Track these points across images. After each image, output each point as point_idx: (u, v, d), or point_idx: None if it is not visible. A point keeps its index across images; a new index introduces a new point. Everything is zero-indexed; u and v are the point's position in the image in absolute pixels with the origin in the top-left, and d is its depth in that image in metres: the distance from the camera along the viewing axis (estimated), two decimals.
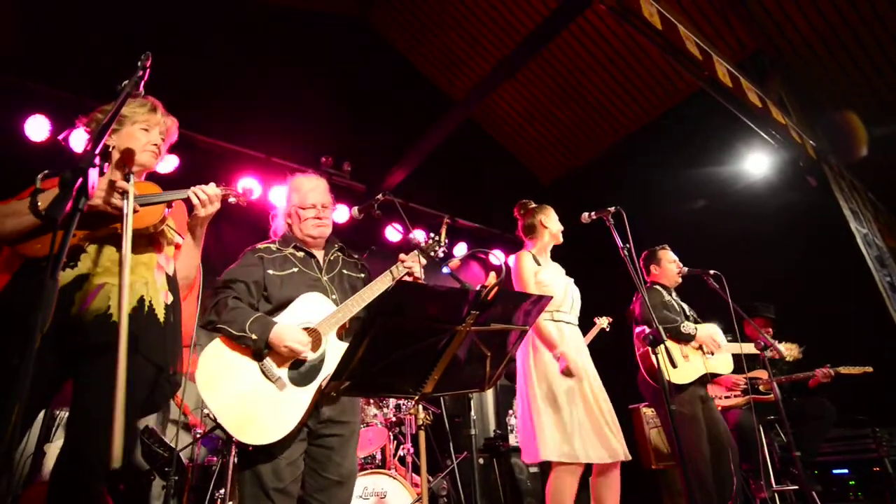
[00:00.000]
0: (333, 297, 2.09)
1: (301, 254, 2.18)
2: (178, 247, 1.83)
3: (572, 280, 2.96)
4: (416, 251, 2.19)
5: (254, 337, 1.86)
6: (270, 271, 2.07)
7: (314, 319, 1.99)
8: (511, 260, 2.97)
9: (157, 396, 1.60)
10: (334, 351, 1.97)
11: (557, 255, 3.13)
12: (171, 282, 1.74)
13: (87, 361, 1.47)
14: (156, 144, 1.82)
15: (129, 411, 1.53)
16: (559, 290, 2.78)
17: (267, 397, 1.84)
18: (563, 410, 2.50)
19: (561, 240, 3.01)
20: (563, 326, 2.73)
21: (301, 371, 1.91)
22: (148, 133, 1.79)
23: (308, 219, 2.20)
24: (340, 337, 2.04)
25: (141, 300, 1.58)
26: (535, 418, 2.57)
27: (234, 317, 1.90)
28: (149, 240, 1.68)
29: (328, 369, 1.92)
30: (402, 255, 2.18)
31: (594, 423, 2.50)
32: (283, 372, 1.89)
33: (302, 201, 2.24)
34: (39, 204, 1.45)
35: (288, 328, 1.90)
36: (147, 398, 1.56)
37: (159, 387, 1.59)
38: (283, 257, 2.13)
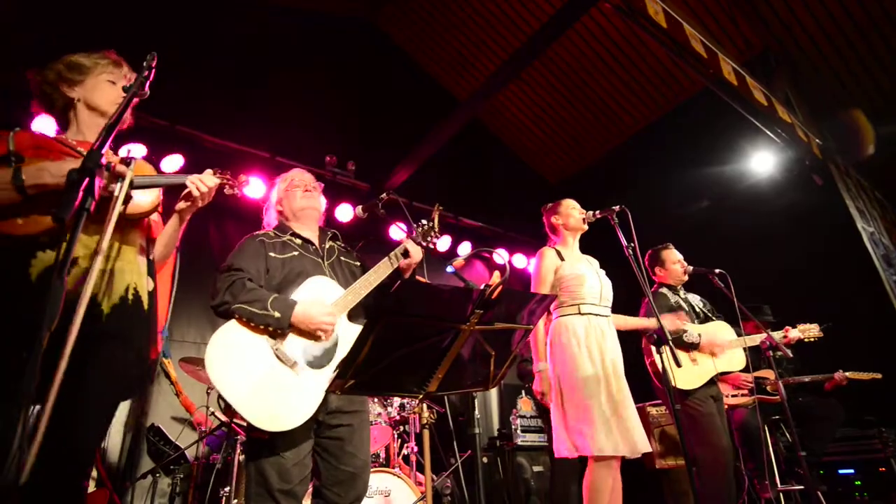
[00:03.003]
0: (339, 283, 2.12)
1: (299, 240, 2.19)
2: (157, 224, 1.76)
3: (603, 271, 2.93)
4: (410, 239, 2.24)
5: (276, 315, 1.83)
6: (272, 254, 2.08)
7: (325, 302, 1.98)
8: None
9: (135, 385, 1.55)
10: (347, 333, 1.98)
11: None
12: (152, 267, 1.67)
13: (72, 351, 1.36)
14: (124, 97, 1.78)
15: (112, 399, 1.47)
16: (582, 282, 2.75)
17: (284, 382, 1.81)
18: (575, 404, 2.49)
19: (584, 227, 2.94)
20: (591, 319, 2.70)
21: (316, 354, 1.90)
22: (115, 86, 1.69)
23: (296, 194, 2.27)
24: (350, 319, 2.04)
25: (128, 288, 1.51)
26: (553, 414, 2.58)
27: (255, 296, 1.87)
28: (137, 223, 1.62)
29: (343, 351, 1.91)
30: (403, 238, 2.23)
31: (622, 416, 2.49)
32: (298, 355, 1.87)
33: (289, 184, 2.32)
34: (25, 178, 1.38)
35: (312, 304, 1.90)
36: (125, 387, 1.51)
37: (137, 376, 1.53)
38: (282, 242, 2.15)
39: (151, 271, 1.66)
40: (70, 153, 1.55)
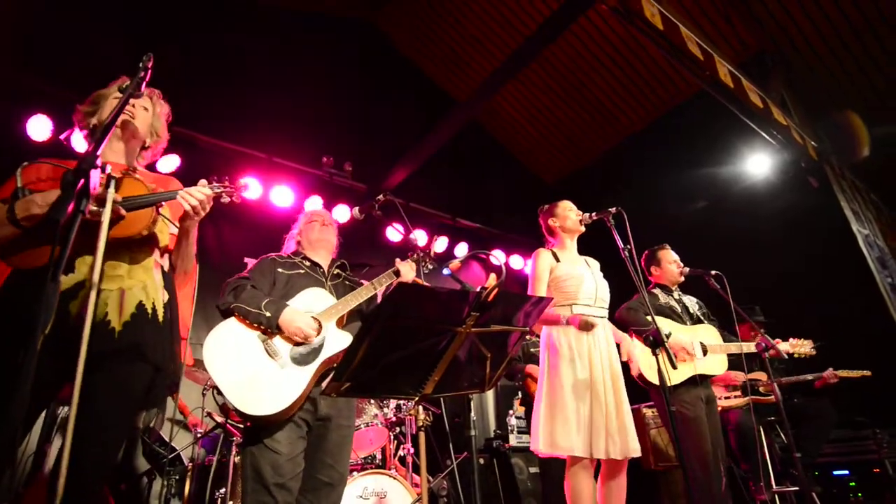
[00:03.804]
0: (334, 297, 2.30)
1: (308, 262, 2.42)
2: (173, 236, 1.77)
3: (601, 274, 2.92)
4: (410, 259, 2.43)
5: (268, 314, 2.04)
6: (280, 269, 2.32)
7: (316, 310, 2.18)
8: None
9: (153, 396, 1.59)
10: (333, 337, 2.14)
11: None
12: (167, 278, 1.71)
13: (85, 370, 1.38)
14: (132, 106, 1.77)
15: (126, 414, 1.53)
16: (576, 282, 2.75)
17: (269, 373, 1.99)
18: (568, 404, 2.49)
19: (581, 229, 2.94)
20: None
21: (302, 352, 2.07)
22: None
23: (314, 227, 2.50)
24: (339, 327, 2.21)
25: (140, 305, 1.55)
26: (540, 409, 2.58)
27: (252, 297, 2.10)
28: (144, 240, 1.63)
29: (326, 353, 2.09)
30: (397, 260, 2.41)
31: (598, 420, 2.48)
32: (285, 352, 2.05)
33: (308, 217, 2.58)
34: (17, 212, 1.42)
35: (298, 312, 2.10)
36: (144, 399, 1.56)
37: (156, 387, 1.58)
38: (292, 262, 2.40)
39: (168, 283, 1.70)
40: None
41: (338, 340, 2.12)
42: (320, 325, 2.13)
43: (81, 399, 1.36)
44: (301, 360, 2.04)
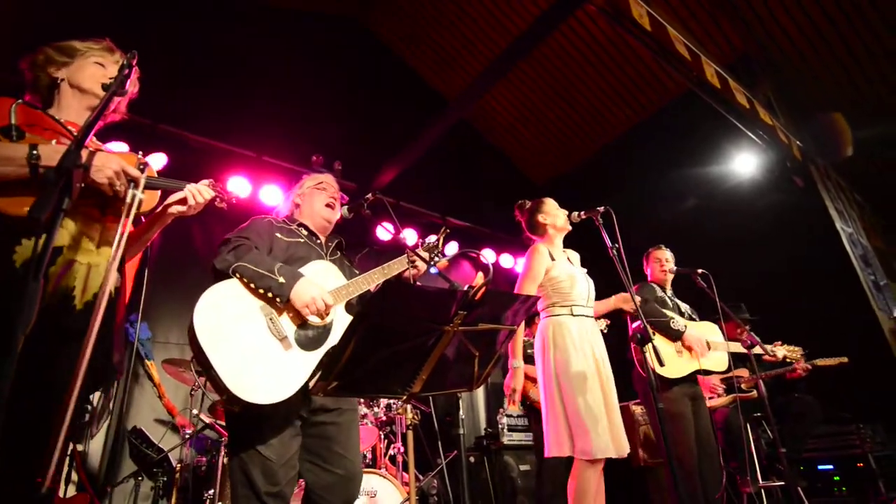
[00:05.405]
0: (342, 273, 2.13)
1: (305, 231, 2.20)
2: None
3: (585, 270, 2.93)
4: (420, 249, 2.25)
5: (281, 280, 1.78)
6: (278, 234, 2.07)
7: (325, 287, 1.95)
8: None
9: (96, 379, 1.55)
10: (342, 322, 1.93)
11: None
12: (122, 263, 1.66)
13: (52, 340, 1.39)
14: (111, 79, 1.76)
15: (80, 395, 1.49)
16: (571, 283, 2.75)
17: (271, 354, 1.73)
18: (574, 405, 2.49)
19: (569, 228, 2.94)
20: (581, 321, 2.70)
21: (309, 335, 1.84)
22: (104, 69, 1.67)
23: (322, 199, 2.25)
24: (347, 311, 2.01)
25: (103, 286, 1.48)
26: (548, 414, 2.57)
27: (261, 259, 1.84)
28: (117, 219, 1.59)
29: (335, 338, 1.87)
30: (408, 251, 2.20)
31: (609, 417, 2.49)
32: (290, 331, 1.80)
33: (318, 184, 2.31)
34: (41, 157, 1.35)
35: (314, 283, 1.85)
36: (90, 386, 1.54)
37: (101, 370, 1.53)
38: (289, 229, 2.15)
39: (120, 268, 1.65)
40: (62, 132, 1.55)
41: (345, 326, 1.87)
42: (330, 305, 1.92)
43: (38, 376, 1.35)
44: (307, 345, 1.81)
